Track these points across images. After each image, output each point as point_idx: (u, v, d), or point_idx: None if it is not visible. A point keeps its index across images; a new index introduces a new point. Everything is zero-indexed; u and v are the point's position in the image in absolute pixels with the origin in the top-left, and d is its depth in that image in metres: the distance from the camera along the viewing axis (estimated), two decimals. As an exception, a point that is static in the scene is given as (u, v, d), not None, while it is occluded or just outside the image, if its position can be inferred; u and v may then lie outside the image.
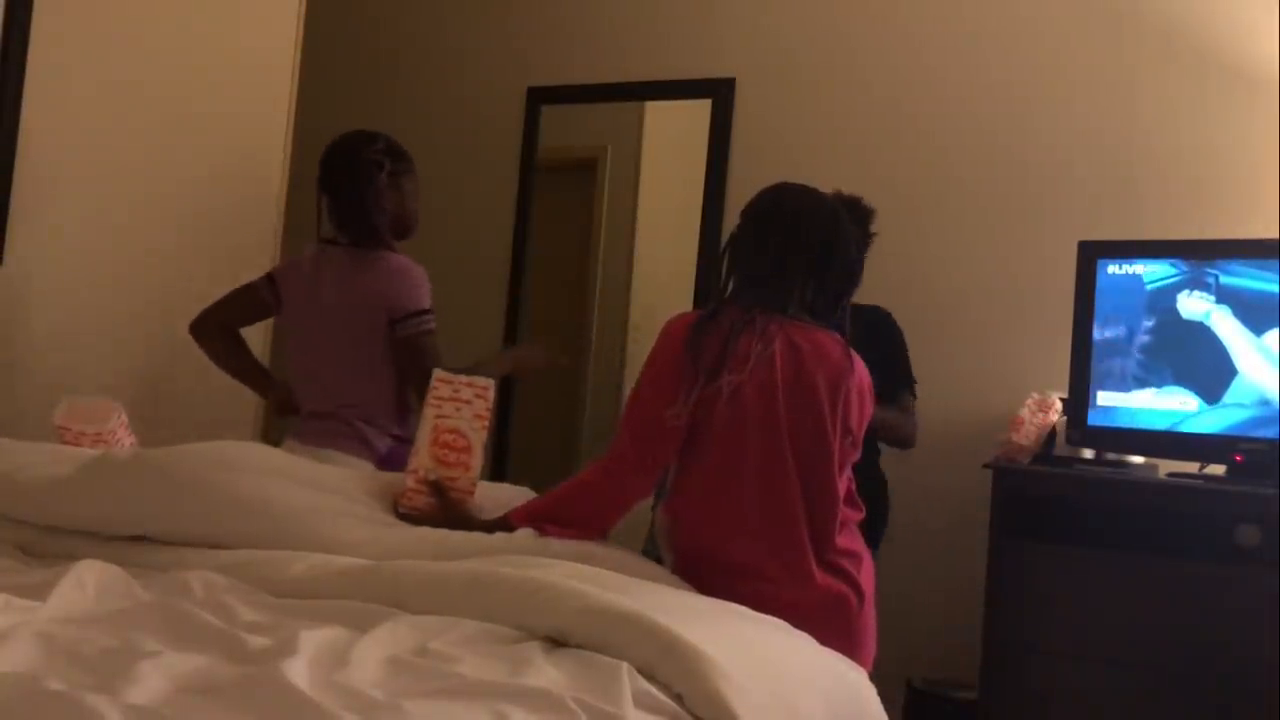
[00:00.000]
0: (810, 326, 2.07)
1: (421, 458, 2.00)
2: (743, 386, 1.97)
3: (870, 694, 1.74)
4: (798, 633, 1.72)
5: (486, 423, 2.04)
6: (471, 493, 2.02)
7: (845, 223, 2.14)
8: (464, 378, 2.06)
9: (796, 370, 2.00)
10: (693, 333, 1.99)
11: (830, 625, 1.90)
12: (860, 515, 2.13)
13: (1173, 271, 2.85)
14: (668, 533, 2.10)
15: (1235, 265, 2.78)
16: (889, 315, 3.03)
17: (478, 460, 2.02)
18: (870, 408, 2.12)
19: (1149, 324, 2.87)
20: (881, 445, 2.96)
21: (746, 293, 2.08)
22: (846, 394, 2.03)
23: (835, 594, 2.00)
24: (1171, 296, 2.85)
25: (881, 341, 2.82)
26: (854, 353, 2.08)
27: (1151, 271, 2.88)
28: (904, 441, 2.97)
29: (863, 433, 2.10)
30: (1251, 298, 2.76)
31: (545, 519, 1.94)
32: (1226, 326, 2.78)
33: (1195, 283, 2.82)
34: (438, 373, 2.07)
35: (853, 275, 2.16)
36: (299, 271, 2.71)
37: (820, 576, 1.99)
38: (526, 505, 2.00)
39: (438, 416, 2.02)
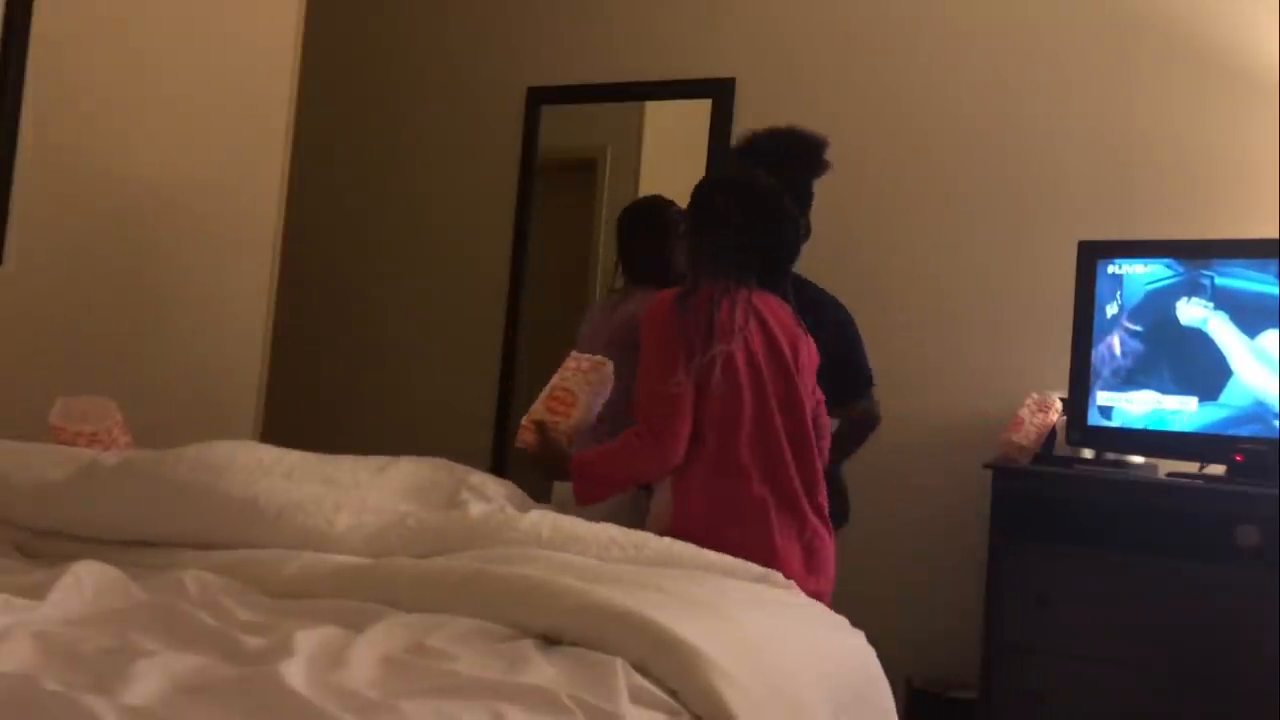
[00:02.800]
0: (764, 295, 2.32)
1: (536, 405, 2.31)
2: (733, 354, 2.20)
3: (869, 658, 1.80)
4: (792, 609, 1.78)
5: (595, 390, 2.31)
6: (569, 436, 2.28)
7: (784, 198, 2.37)
8: (589, 357, 2.34)
9: (766, 336, 2.25)
10: (679, 306, 2.22)
11: (811, 562, 2.21)
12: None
13: (1169, 274, 2.85)
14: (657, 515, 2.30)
15: (1232, 267, 2.78)
16: (850, 317, 2.86)
17: (579, 412, 2.29)
18: (816, 358, 2.38)
19: (1148, 326, 2.87)
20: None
21: (711, 268, 2.29)
22: (802, 353, 2.31)
23: (820, 534, 2.26)
24: (1169, 300, 2.85)
25: (843, 343, 2.76)
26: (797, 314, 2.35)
27: (1150, 273, 2.88)
28: (871, 426, 2.85)
29: (814, 380, 2.37)
30: (1248, 299, 2.76)
31: (584, 472, 2.21)
32: (1224, 333, 2.78)
33: (1193, 287, 2.82)
34: (571, 354, 2.37)
35: (794, 246, 2.38)
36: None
37: (811, 518, 2.25)
38: (584, 452, 2.27)
39: (560, 380, 2.32)
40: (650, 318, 2.26)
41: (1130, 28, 3.41)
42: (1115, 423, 2.88)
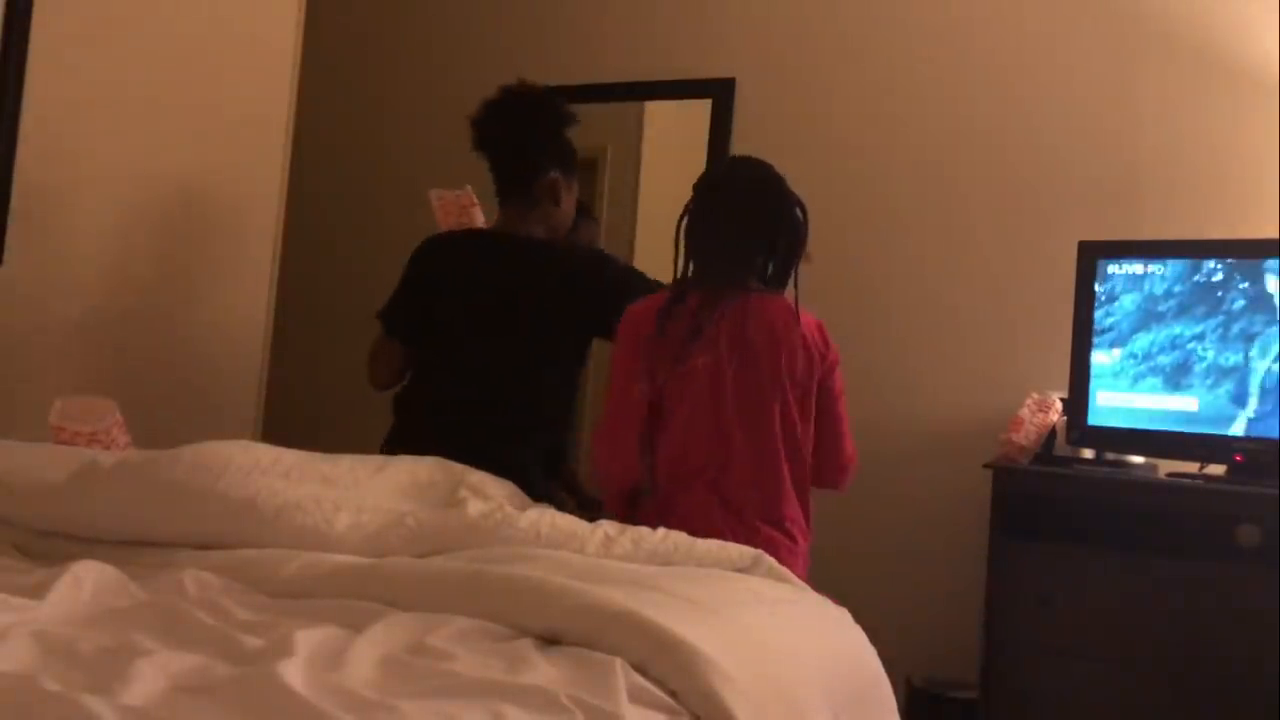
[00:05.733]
0: (761, 293, 2.26)
1: None
2: (699, 367, 2.19)
3: (870, 656, 1.80)
4: (794, 606, 1.77)
5: None
6: None
7: (790, 190, 2.31)
8: None
9: (743, 345, 2.20)
10: (660, 318, 2.21)
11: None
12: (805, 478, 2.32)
13: (1171, 274, 2.85)
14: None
15: (1232, 268, 2.78)
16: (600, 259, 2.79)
17: None
18: (827, 358, 2.28)
19: (1149, 325, 2.87)
20: None
21: (707, 270, 2.27)
22: (790, 351, 2.21)
23: (777, 543, 2.19)
24: (1172, 300, 2.85)
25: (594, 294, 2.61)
26: (803, 312, 2.26)
27: (1151, 273, 2.88)
28: None
29: (815, 383, 2.27)
30: (1247, 301, 2.75)
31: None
32: (1224, 327, 2.78)
33: (1196, 286, 2.82)
34: None
35: (801, 240, 2.30)
36: None
37: (763, 529, 2.19)
38: None
39: None
40: (626, 324, 2.26)
41: (1130, 28, 3.41)
42: (1116, 423, 2.88)
